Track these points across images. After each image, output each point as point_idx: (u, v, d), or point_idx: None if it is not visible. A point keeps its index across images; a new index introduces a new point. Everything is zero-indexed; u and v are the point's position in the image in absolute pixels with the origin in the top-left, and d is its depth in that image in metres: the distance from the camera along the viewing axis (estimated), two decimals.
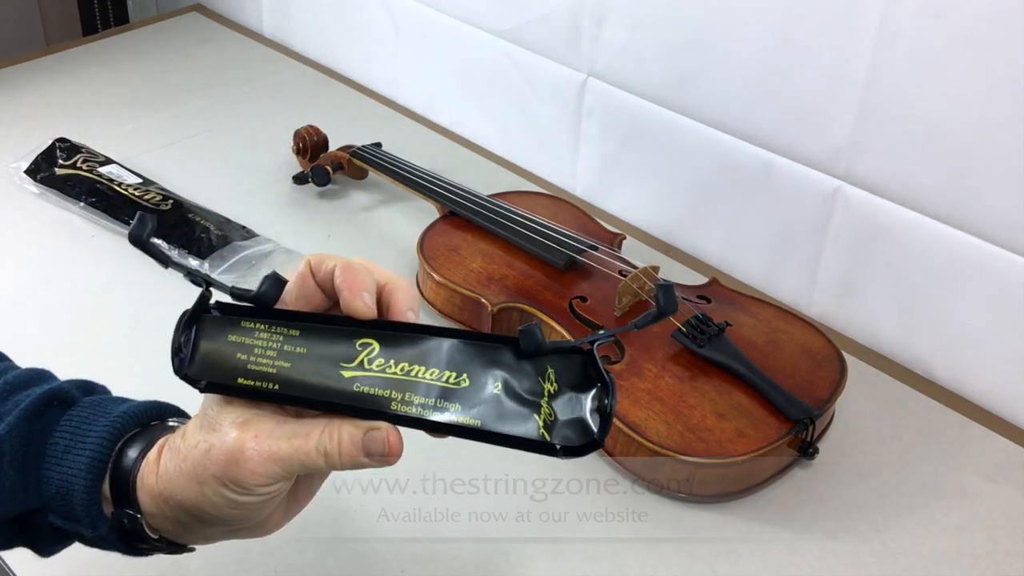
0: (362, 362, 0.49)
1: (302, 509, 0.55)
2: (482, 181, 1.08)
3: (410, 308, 0.50)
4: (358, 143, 1.15)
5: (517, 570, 0.73)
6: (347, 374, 0.49)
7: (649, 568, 0.74)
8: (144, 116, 1.28)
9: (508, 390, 0.49)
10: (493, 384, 0.49)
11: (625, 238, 1.03)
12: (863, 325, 0.97)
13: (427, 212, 1.06)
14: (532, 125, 1.19)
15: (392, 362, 0.49)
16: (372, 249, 1.04)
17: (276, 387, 0.49)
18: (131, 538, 0.53)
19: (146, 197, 1.07)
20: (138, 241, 0.49)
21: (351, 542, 0.74)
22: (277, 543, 0.73)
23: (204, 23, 1.54)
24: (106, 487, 0.52)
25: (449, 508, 0.77)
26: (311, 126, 1.16)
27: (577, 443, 0.49)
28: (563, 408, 0.49)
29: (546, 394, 0.49)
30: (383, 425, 0.48)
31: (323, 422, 0.48)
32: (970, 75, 0.80)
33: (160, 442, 0.52)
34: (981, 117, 0.81)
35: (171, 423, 0.55)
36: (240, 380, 0.49)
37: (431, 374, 0.49)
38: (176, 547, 0.54)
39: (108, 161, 1.13)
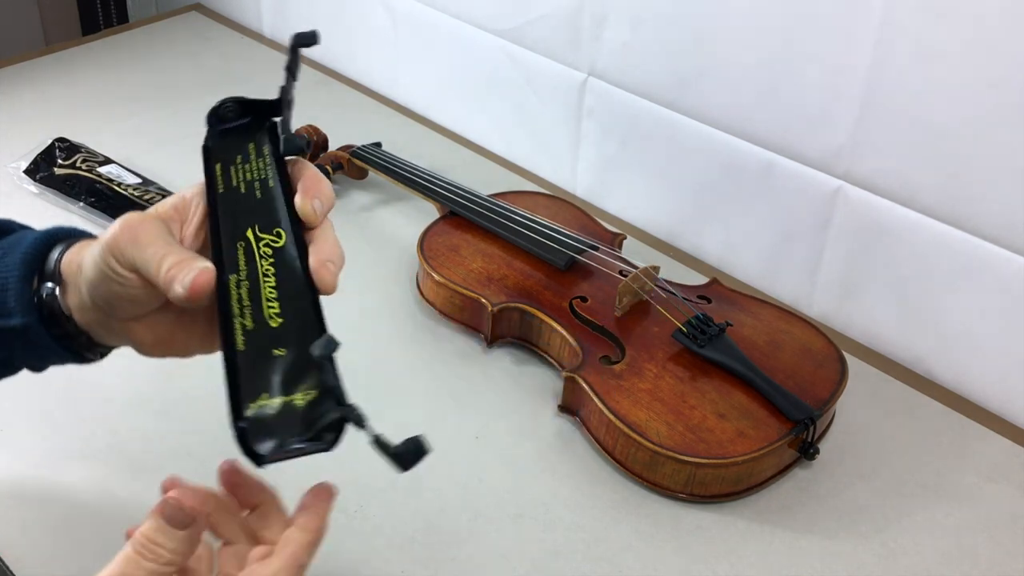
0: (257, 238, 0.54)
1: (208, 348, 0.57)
2: (482, 181, 1.08)
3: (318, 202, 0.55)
4: (358, 143, 1.15)
5: (517, 570, 0.73)
6: (242, 243, 0.53)
7: (649, 568, 0.74)
8: (144, 116, 1.28)
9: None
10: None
11: (625, 238, 1.03)
12: (863, 325, 0.97)
13: (427, 212, 1.06)
14: (532, 125, 1.19)
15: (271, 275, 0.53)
16: (372, 249, 1.04)
17: (220, 190, 0.55)
18: (54, 325, 0.56)
19: (146, 197, 1.07)
20: (304, 42, 0.57)
21: (351, 542, 0.74)
22: None
23: (204, 23, 1.54)
24: (36, 283, 0.56)
25: (449, 508, 0.77)
26: (311, 126, 1.16)
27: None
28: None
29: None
30: (202, 267, 0.51)
31: (188, 255, 0.52)
32: (970, 75, 0.80)
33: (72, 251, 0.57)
34: (981, 117, 0.81)
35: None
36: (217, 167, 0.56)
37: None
38: (93, 347, 0.59)
39: (107, 161, 1.13)
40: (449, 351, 0.93)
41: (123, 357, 0.90)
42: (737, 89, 0.96)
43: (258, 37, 1.49)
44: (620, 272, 0.94)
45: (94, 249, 0.53)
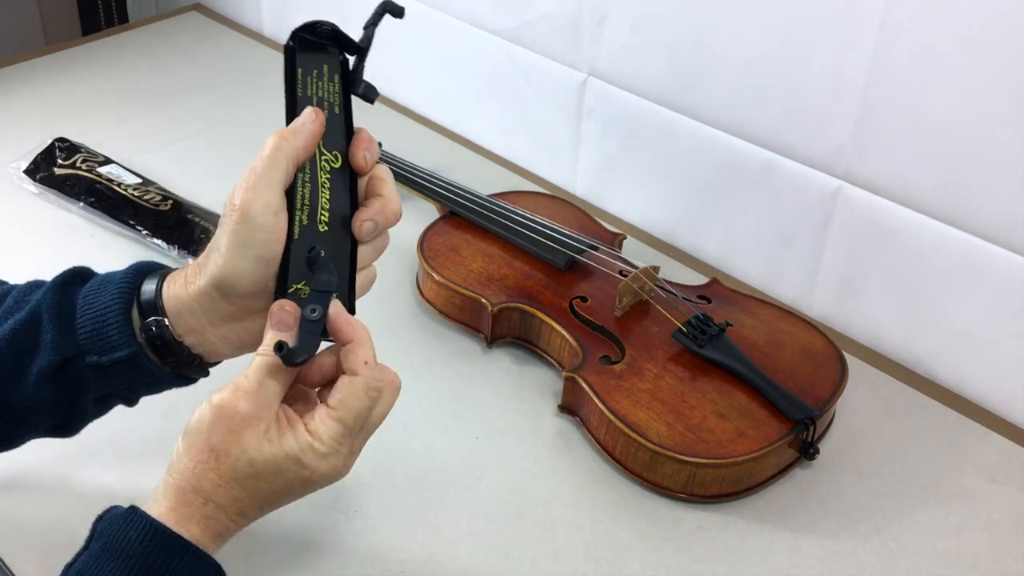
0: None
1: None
2: (482, 181, 1.08)
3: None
4: None
5: (517, 570, 0.73)
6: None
7: (649, 568, 0.74)
8: (144, 116, 1.28)
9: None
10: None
11: (625, 238, 1.03)
12: (863, 325, 0.97)
13: (427, 212, 1.06)
14: (532, 125, 1.19)
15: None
16: None
17: (299, 93, 0.65)
18: (161, 350, 0.61)
19: (146, 197, 1.07)
20: (391, 10, 0.68)
21: (351, 542, 0.74)
22: (277, 545, 0.73)
23: (204, 23, 1.54)
24: (135, 314, 0.61)
25: (449, 508, 0.77)
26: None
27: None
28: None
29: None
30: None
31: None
32: (970, 75, 0.80)
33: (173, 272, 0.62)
34: (981, 117, 0.81)
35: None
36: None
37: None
38: (202, 365, 0.64)
39: (107, 161, 1.13)
40: (449, 351, 0.93)
41: None
42: (737, 89, 0.96)
43: (258, 37, 1.49)
44: (620, 272, 0.93)
45: (220, 249, 0.58)
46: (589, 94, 1.10)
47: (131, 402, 0.66)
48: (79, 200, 1.08)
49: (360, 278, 0.62)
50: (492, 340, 0.92)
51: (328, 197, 0.61)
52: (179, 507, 0.56)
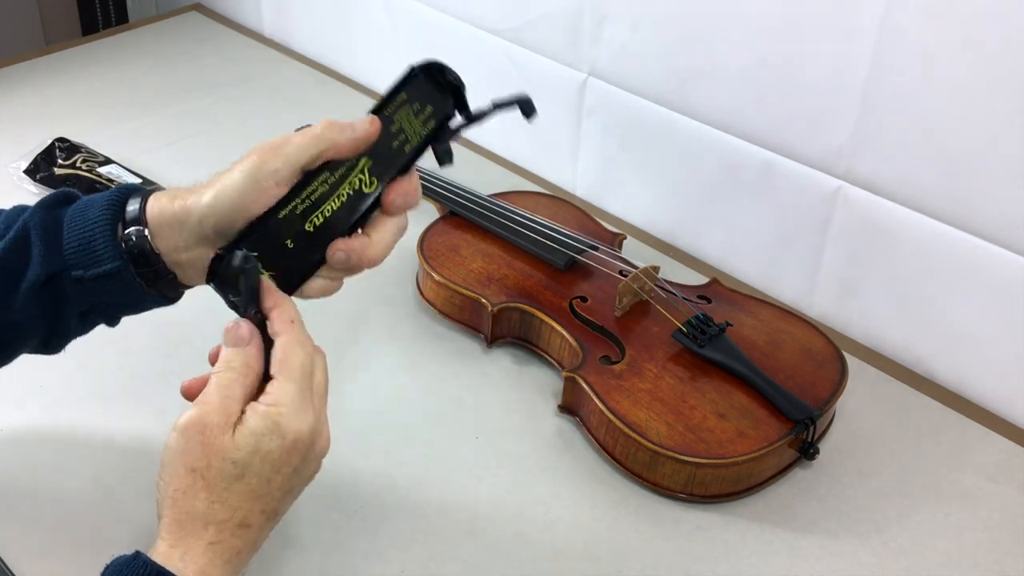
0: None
1: None
2: (482, 181, 1.08)
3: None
4: None
5: (517, 570, 0.73)
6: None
7: (649, 568, 0.74)
8: (144, 116, 1.28)
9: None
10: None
11: (625, 238, 1.03)
12: (863, 325, 0.97)
13: (427, 212, 1.06)
14: (532, 125, 1.19)
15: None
16: None
17: (386, 112, 0.64)
18: (139, 260, 0.62)
19: None
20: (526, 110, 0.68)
21: (351, 543, 0.74)
22: (277, 546, 0.73)
23: (204, 23, 1.54)
24: (120, 231, 0.62)
25: (449, 508, 0.77)
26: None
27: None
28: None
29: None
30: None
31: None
32: (970, 75, 0.80)
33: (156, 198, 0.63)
34: (981, 117, 0.81)
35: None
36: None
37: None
38: (177, 287, 0.65)
39: (108, 161, 1.13)
40: (449, 351, 0.93)
41: (121, 358, 0.90)
42: (737, 89, 0.96)
43: (258, 37, 1.49)
44: (620, 272, 0.94)
45: (234, 176, 0.60)
46: (589, 94, 1.10)
47: (113, 321, 0.68)
48: None
49: (317, 284, 0.63)
50: (492, 340, 0.92)
51: (335, 208, 0.62)
52: (181, 541, 0.54)
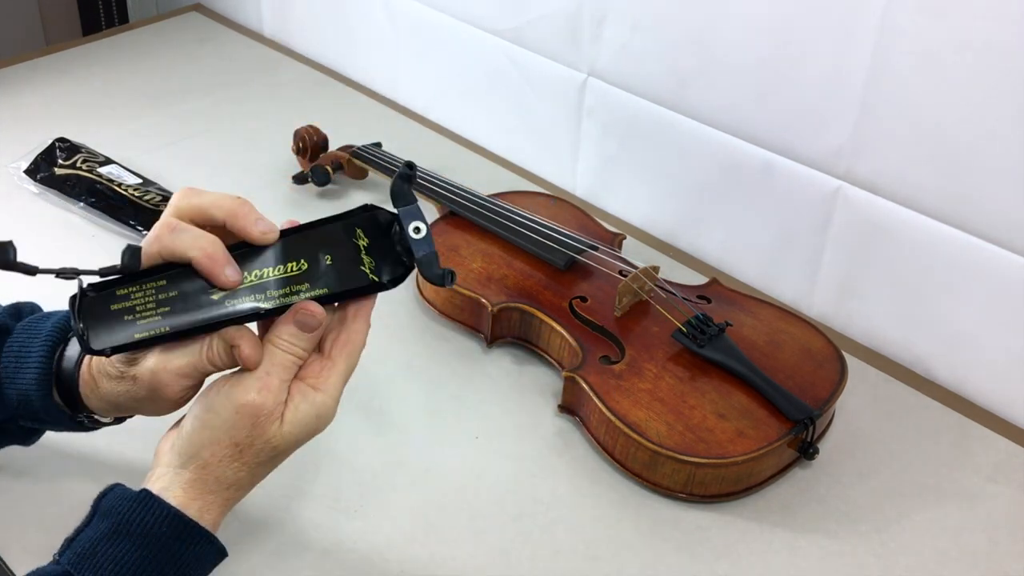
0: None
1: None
2: (482, 181, 1.08)
3: (257, 220, 0.60)
4: (358, 143, 1.15)
5: (517, 570, 0.73)
6: (216, 297, 0.58)
7: (649, 568, 0.74)
8: (144, 116, 1.28)
9: (336, 258, 0.60)
10: (324, 258, 0.60)
11: (625, 238, 1.03)
12: (863, 325, 0.97)
13: (427, 212, 1.05)
14: (532, 125, 1.19)
15: (245, 275, 0.59)
16: None
17: (167, 329, 0.58)
18: (89, 426, 0.67)
19: (146, 197, 1.07)
20: (5, 265, 0.56)
21: (351, 543, 0.74)
22: (277, 546, 0.73)
23: (204, 23, 1.54)
24: (56, 395, 0.65)
25: (449, 508, 0.77)
26: (311, 126, 1.16)
27: (399, 273, 0.60)
28: (378, 254, 0.60)
29: (362, 249, 0.60)
30: (231, 333, 0.58)
31: (206, 338, 0.58)
32: (970, 75, 0.80)
33: (87, 365, 0.64)
34: (981, 117, 0.81)
35: None
36: (136, 336, 0.58)
37: (277, 271, 0.59)
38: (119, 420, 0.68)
39: (108, 161, 1.13)
40: (449, 351, 0.93)
41: None
42: (737, 89, 0.96)
43: (258, 37, 1.49)
44: (620, 272, 0.94)
45: (138, 404, 0.62)
46: (589, 94, 1.10)
47: (29, 443, 0.72)
48: (79, 200, 1.08)
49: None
50: (492, 340, 0.92)
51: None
52: (201, 496, 0.58)
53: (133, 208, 1.06)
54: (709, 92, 0.99)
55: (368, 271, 0.60)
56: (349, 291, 0.60)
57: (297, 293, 0.59)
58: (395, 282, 0.60)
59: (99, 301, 0.59)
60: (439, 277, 0.60)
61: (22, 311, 0.70)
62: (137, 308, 0.58)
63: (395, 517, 0.76)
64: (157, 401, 0.60)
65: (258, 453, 0.58)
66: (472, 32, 1.19)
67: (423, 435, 0.84)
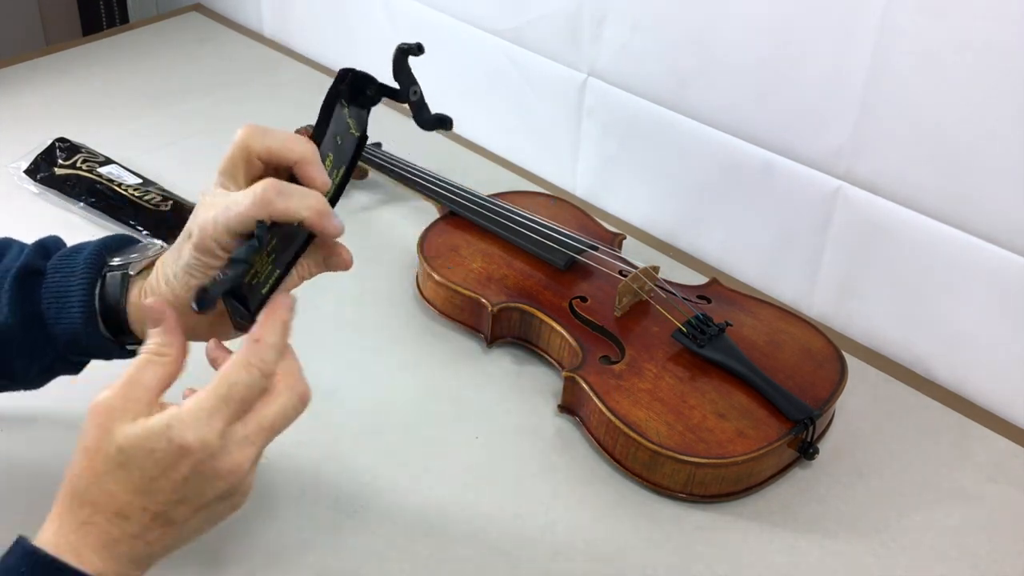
0: None
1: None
2: (482, 181, 1.08)
3: (321, 168, 0.63)
4: None
5: (517, 570, 0.73)
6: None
7: (649, 568, 0.74)
8: (144, 116, 1.28)
9: (340, 135, 0.68)
10: (337, 140, 0.67)
11: (625, 238, 1.03)
12: (863, 325, 0.97)
13: (427, 212, 1.06)
14: (532, 125, 1.19)
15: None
16: (372, 249, 1.04)
17: (280, 271, 0.61)
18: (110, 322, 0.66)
19: (146, 198, 1.07)
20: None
21: (351, 542, 0.74)
22: (278, 545, 0.73)
23: (204, 23, 1.54)
24: (103, 328, 0.65)
25: (449, 508, 0.77)
26: (311, 126, 1.15)
27: (365, 117, 0.68)
28: (357, 114, 0.68)
29: (347, 115, 0.68)
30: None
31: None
32: (970, 75, 0.80)
33: (139, 287, 0.65)
34: (981, 117, 0.81)
35: (132, 254, 0.68)
36: (264, 291, 0.60)
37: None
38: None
39: (108, 161, 1.13)
40: (449, 351, 0.93)
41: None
42: (737, 89, 0.96)
43: (258, 37, 1.49)
44: (620, 272, 0.94)
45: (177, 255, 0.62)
46: (589, 94, 1.10)
47: (77, 371, 0.70)
48: (79, 200, 1.08)
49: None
50: (492, 340, 0.92)
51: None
52: (59, 516, 0.55)
53: (133, 208, 1.06)
54: (709, 92, 0.99)
55: (355, 133, 0.65)
56: (352, 159, 0.64)
57: (335, 178, 0.64)
58: (364, 127, 0.67)
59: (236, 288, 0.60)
60: (436, 120, 0.65)
61: (49, 248, 0.70)
62: (258, 271, 0.60)
63: (395, 517, 0.76)
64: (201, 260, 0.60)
65: (104, 457, 0.54)
66: (472, 32, 1.19)
67: (423, 435, 0.84)
